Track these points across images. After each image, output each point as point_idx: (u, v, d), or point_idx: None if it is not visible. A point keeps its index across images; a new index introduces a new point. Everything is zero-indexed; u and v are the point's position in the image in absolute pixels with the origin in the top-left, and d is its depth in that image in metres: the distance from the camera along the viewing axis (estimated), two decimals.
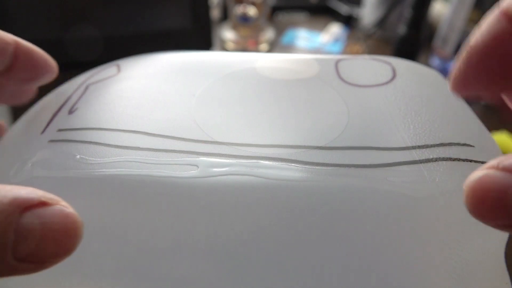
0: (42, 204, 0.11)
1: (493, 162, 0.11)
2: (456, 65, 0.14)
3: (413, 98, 0.19)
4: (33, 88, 0.21)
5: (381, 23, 0.57)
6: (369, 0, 0.60)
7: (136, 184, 0.15)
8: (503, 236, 0.15)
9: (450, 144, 0.16)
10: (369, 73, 0.21)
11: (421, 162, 0.15)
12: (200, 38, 0.52)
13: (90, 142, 0.16)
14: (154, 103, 0.19)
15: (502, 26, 0.12)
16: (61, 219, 0.11)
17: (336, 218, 0.15)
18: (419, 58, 0.53)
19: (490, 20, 0.13)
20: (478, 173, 0.11)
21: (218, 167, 0.15)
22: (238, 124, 0.18)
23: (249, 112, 0.18)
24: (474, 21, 0.55)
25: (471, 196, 0.11)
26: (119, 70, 0.22)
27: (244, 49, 0.57)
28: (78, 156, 0.16)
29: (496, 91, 0.14)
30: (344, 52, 0.58)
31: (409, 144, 0.16)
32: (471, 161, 0.16)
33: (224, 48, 0.58)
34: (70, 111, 0.18)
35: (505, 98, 0.14)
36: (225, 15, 0.62)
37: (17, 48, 0.18)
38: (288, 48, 0.59)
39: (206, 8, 0.50)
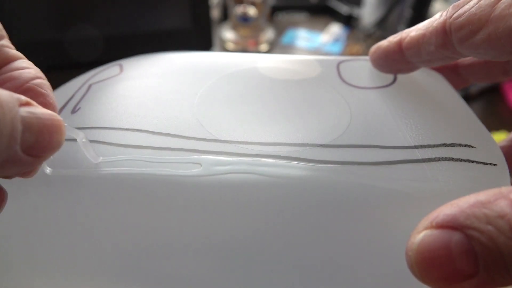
0: (29, 103, 0.12)
1: (426, 222, 0.11)
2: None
3: (415, 99, 0.19)
4: None
5: (381, 23, 0.57)
6: (369, 0, 0.60)
7: (140, 183, 0.15)
8: None
9: (452, 145, 0.16)
10: (371, 75, 0.21)
11: (424, 161, 0.15)
12: (200, 38, 0.52)
13: (93, 141, 0.17)
14: (157, 102, 0.19)
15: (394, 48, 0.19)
16: (48, 115, 0.12)
17: (339, 216, 0.15)
18: None
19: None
20: (417, 237, 0.11)
21: (221, 165, 0.15)
22: (240, 122, 0.18)
23: (252, 111, 0.18)
24: None
25: (420, 260, 0.11)
26: (121, 69, 0.22)
27: (244, 49, 0.57)
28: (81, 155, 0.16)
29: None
30: (344, 52, 0.58)
31: (412, 144, 0.16)
32: (472, 161, 0.16)
33: (224, 48, 0.58)
34: (73, 111, 0.18)
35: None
36: (225, 15, 0.62)
37: None
38: (288, 48, 0.59)
39: (206, 8, 0.50)
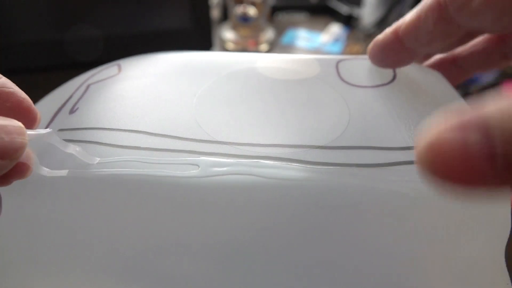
0: None
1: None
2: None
3: (414, 99, 0.19)
4: None
5: (381, 23, 0.57)
6: (369, 0, 0.60)
7: (137, 184, 0.15)
8: (503, 236, 0.15)
9: None
10: (370, 74, 0.21)
11: None
12: (200, 38, 0.52)
13: (91, 142, 0.17)
14: (155, 103, 0.19)
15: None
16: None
17: (337, 218, 0.15)
18: None
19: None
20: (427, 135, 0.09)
21: (219, 167, 0.15)
22: (239, 123, 0.18)
23: (250, 112, 0.18)
24: None
25: (431, 151, 0.09)
26: (120, 70, 0.22)
27: (244, 49, 0.57)
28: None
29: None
30: (344, 52, 0.58)
31: (411, 144, 0.16)
32: None
33: (224, 48, 0.58)
34: (71, 111, 0.18)
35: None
36: (225, 15, 0.62)
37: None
38: (288, 48, 0.59)
39: (206, 8, 0.50)
